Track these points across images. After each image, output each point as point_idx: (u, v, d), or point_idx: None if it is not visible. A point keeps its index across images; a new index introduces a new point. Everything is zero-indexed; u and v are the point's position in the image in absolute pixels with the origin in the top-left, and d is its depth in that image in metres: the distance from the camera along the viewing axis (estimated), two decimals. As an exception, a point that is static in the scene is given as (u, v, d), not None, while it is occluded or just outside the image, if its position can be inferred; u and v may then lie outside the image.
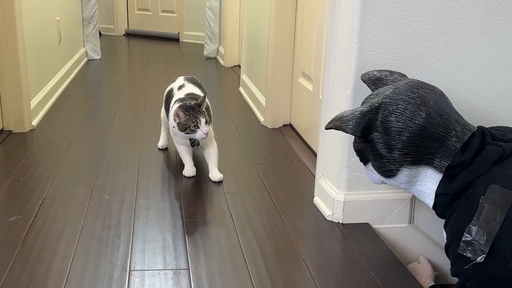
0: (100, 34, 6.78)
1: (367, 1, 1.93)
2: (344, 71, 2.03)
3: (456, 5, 1.96)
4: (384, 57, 1.98)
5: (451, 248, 1.61)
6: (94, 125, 3.34)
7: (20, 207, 2.21)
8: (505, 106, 2.06)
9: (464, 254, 1.55)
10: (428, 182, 1.69)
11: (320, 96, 2.73)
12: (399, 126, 1.63)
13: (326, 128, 1.71)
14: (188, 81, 2.84)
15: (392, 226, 2.15)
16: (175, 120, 2.48)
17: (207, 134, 2.46)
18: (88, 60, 5.49)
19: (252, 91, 3.89)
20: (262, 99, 3.56)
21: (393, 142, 1.65)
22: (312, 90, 2.94)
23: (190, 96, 2.67)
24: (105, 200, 2.30)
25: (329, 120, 1.70)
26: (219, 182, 2.52)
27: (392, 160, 1.67)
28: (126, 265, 1.83)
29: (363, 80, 1.87)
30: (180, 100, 2.59)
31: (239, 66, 5.19)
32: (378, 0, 1.93)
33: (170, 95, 2.80)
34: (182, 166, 2.67)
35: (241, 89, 4.37)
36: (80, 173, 2.58)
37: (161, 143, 2.96)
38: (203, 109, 2.49)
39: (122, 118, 3.51)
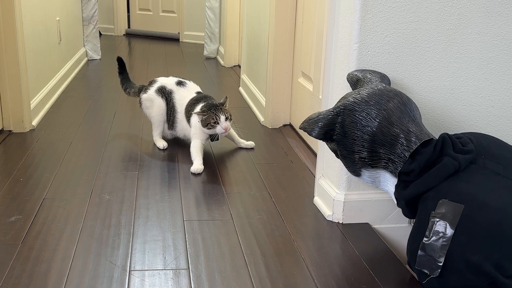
0: (100, 34, 6.78)
1: (367, 1, 1.93)
2: (344, 71, 2.03)
3: (456, 5, 1.96)
4: (384, 57, 1.98)
5: (412, 266, 1.68)
6: (94, 125, 3.34)
7: (20, 207, 2.21)
8: (505, 105, 2.06)
9: (422, 270, 1.61)
10: (388, 184, 1.79)
11: (320, 96, 2.74)
12: (355, 132, 1.73)
13: (300, 128, 1.82)
14: (179, 77, 3.06)
15: (392, 226, 2.15)
16: (199, 117, 2.74)
17: (225, 129, 2.70)
18: (88, 60, 5.49)
19: (252, 91, 3.89)
20: (262, 99, 3.56)
21: (351, 145, 1.75)
22: (312, 90, 2.94)
23: (201, 94, 2.94)
24: (105, 200, 2.30)
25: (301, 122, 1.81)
26: (219, 182, 2.52)
27: (352, 162, 1.78)
28: (126, 265, 1.83)
29: (347, 80, 1.94)
30: (200, 100, 2.83)
31: (239, 66, 5.19)
32: (378, 0, 1.93)
33: (168, 92, 2.97)
34: (182, 166, 2.67)
35: (241, 89, 4.37)
36: (80, 173, 2.58)
37: (162, 143, 2.96)
38: (226, 107, 2.76)
39: (122, 117, 3.51)
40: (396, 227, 2.15)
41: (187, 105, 2.90)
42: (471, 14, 1.97)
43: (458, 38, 1.99)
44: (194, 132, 2.81)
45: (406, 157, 1.68)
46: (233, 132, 2.99)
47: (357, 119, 1.72)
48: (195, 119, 2.79)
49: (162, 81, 3.01)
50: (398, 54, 1.98)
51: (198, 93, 2.97)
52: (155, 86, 2.99)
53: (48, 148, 2.90)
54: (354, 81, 1.91)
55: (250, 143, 3.01)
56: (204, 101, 2.82)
